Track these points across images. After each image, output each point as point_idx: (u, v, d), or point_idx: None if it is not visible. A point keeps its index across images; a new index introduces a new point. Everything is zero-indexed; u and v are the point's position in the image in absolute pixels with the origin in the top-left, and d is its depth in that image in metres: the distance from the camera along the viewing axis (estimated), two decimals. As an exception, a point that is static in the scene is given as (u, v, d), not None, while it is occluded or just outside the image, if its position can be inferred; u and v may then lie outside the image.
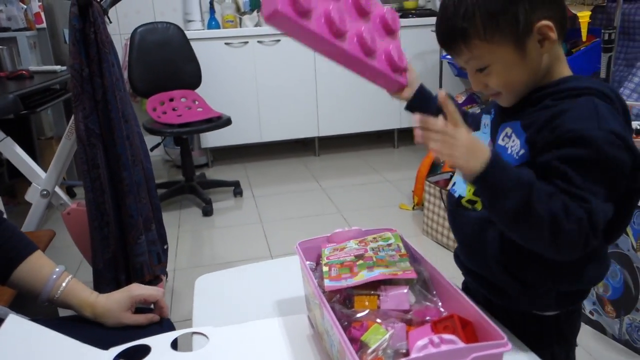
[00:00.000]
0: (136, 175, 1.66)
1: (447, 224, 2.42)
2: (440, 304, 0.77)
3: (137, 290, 1.04)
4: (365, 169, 3.77)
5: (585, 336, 1.75)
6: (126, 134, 1.63)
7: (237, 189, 3.29)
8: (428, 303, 0.77)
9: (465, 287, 1.02)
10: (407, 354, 0.67)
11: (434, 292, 0.79)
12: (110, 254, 1.68)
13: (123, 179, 1.62)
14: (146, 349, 0.91)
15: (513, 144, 0.83)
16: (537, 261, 0.81)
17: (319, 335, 0.87)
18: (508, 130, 0.85)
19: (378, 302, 0.76)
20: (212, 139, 3.80)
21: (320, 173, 3.71)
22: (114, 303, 1.01)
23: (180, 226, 2.90)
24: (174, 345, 0.93)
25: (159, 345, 0.92)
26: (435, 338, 0.62)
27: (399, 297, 0.76)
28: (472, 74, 0.86)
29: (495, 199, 0.76)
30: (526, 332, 0.87)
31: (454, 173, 2.52)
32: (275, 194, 3.34)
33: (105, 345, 0.93)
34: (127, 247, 1.69)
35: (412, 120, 0.77)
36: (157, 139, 3.44)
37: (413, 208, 2.91)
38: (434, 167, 2.78)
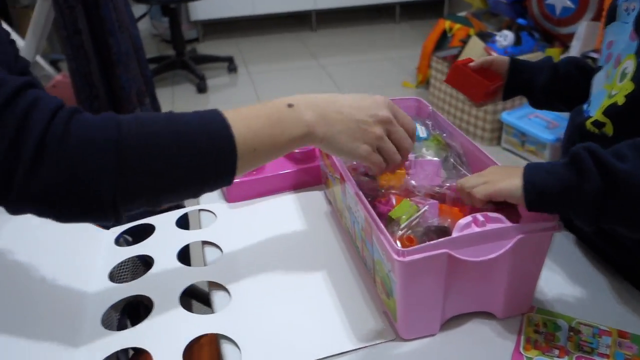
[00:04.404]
0: (124, 43, 1.51)
1: (456, 102, 2.30)
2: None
3: None
4: (365, 45, 3.56)
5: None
6: (109, -6, 1.45)
7: (231, 65, 3.12)
8: (461, 178, 0.70)
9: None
10: (440, 233, 0.61)
11: (469, 167, 0.71)
12: (103, 130, 1.58)
13: (110, 46, 1.47)
14: (150, 229, 0.86)
15: None
16: None
17: (338, 212, 0.81)
18: None
19: (407, 177, 0.69)
20: (202, 11, 3.54)
21: (318, 49, 3.51)
22: None
23: (175, 103, 2.77)
24: (183, 226, 0.87)
25: (163, 224, 0.86)
26: (480, 216, 0.55)
27: (430, 171, 0.68)
28: None
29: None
30: None
31: (463, 47, 2.36)
32: (271, 71, 3.17)
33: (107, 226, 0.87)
34: (120, 123, 1.58)
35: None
36: (141, 9, 3.18)
37: (417, 86, 2.79)
38: (441, 42, 2.61)
